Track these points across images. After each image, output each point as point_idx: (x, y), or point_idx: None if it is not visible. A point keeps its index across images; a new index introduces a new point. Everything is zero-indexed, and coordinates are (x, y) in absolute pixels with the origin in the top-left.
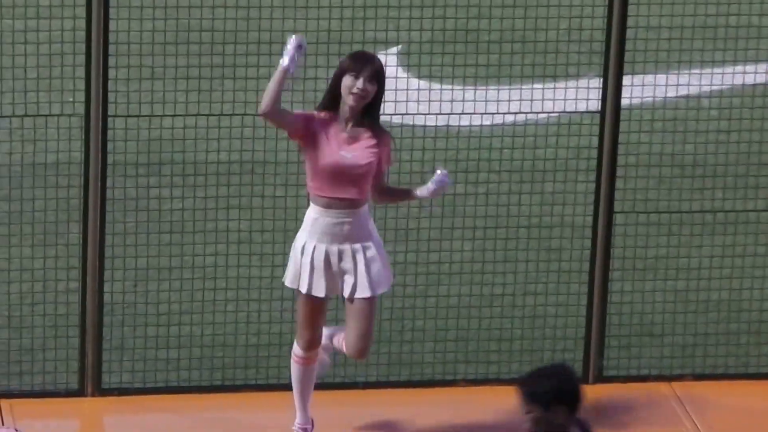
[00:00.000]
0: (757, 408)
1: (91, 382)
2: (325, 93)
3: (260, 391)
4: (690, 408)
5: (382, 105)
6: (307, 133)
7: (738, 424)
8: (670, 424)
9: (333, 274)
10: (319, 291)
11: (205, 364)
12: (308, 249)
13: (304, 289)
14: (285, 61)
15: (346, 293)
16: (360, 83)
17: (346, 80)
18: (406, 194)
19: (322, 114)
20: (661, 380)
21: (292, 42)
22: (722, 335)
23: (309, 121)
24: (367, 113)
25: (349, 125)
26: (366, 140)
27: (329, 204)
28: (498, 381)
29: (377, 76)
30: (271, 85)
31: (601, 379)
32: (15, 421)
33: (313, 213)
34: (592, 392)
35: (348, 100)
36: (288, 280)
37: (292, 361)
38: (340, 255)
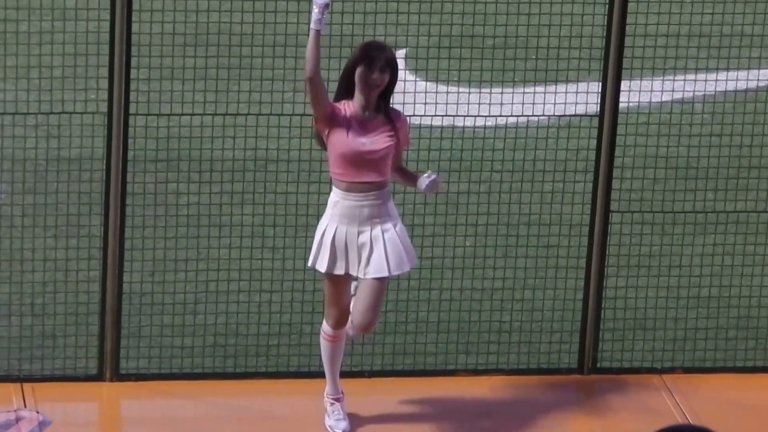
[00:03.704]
0: (743, 400)
1: (109, 367)
2: (339, 83)
3: (270, 377)
4: (679, 399)
5: (394, 90)
6: (332, 120)
7: (725, 415)
8: (660, 415)
9: (352, 255)
10: (339, 270)
11: (217, 352)
12: (329, 231)
13: (323, 269)
14: (313, 24)
15: (363, 273)
16: (375, 74)
17: (360, 71)
18: (412, 181)
19: (340, 104)
20: (653, 372)
21: (317, 4)
22: (711, 330)
23: (334, 109)
24: (381, 99)
25: (366, 112)
26: (382, 126)
27: (349, 188)
28: (496, 371)
29: (389, 65)
30: (310, 49)
31: (595, 370)
32: (36, 404)
33: (334, 196)
34: (587, 383)
35: (362, 91)
36: (310, 261)
37: (321, 339)
38: (359, 236)
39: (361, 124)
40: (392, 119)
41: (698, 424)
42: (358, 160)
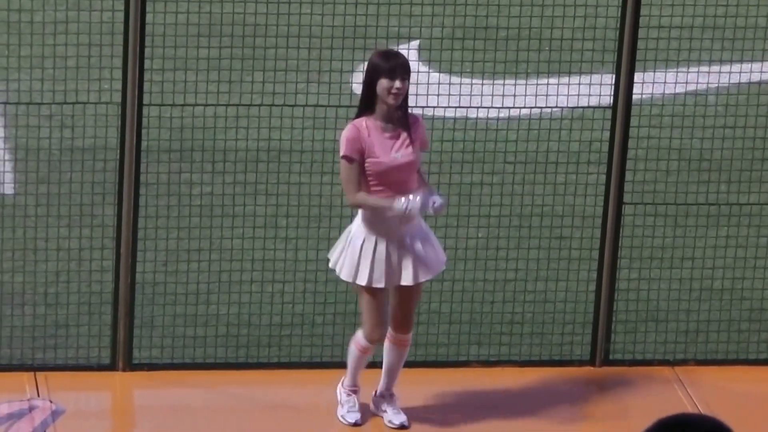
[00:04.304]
0: (755, 392)
1: (122, 356)
2: (361, 98)
3: (282, 368)
4: (692, 391)
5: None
6: (362, 155)
7: (737, 408)
8: (672, 407)
9: (392, 266)
10: (380, 283)
11: (230, 342)
12: (368, 245)
13: (363, 282)
14: (400, 206)
15: (406, 281)
16: (398, 83)
17: (383, 83)
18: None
19: (363, 122)
20: (665, 364)
21: (418, 204)
22: (723, 322)
23: (359, 146)
24: (399, 107)
25: (389, 124)
26: (403, 134)
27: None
28: (508, 362)
29: (408, 72)
30: (371, 206)
31: (608, 362)
32: (50, 393)
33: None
34: (599, 375)
35: (389, 100)
36: (344, 274)
37: (352, 345)
38: (399, 247)
39: (387, 139)
40: (411, 124)
41: (700, 413)
42: (395, 175)
